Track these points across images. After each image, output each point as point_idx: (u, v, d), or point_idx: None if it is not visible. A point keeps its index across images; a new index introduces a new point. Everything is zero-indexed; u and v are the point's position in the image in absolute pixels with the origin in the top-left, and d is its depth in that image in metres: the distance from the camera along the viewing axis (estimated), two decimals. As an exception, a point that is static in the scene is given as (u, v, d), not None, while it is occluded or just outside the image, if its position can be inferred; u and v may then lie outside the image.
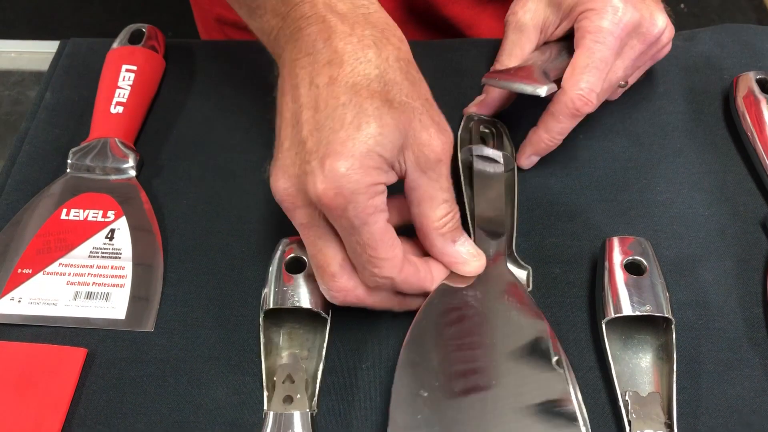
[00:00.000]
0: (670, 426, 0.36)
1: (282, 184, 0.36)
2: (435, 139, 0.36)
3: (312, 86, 0.35)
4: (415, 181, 0.36)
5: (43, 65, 0.55)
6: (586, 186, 0.47)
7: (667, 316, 0.38)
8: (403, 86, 0.36)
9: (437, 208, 0.37)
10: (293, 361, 0.39)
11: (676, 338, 0.38)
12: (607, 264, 0.40)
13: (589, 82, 0.43)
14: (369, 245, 0.35)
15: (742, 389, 0.38)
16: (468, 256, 0.39)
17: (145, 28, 0.53)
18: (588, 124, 0.49)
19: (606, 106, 0.50)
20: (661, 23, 0.45)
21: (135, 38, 0.53)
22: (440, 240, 0.38)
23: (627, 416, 0.36)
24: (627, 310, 0.38)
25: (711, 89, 0.51)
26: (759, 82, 0.49)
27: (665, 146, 0.48)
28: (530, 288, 0.42)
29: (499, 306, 0.39)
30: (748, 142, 0.47)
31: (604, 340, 0.39)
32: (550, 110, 0.45)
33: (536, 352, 0.37)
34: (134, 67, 0.51)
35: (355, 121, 0.34)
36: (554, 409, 0.36)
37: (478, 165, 0.46)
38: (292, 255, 0.40)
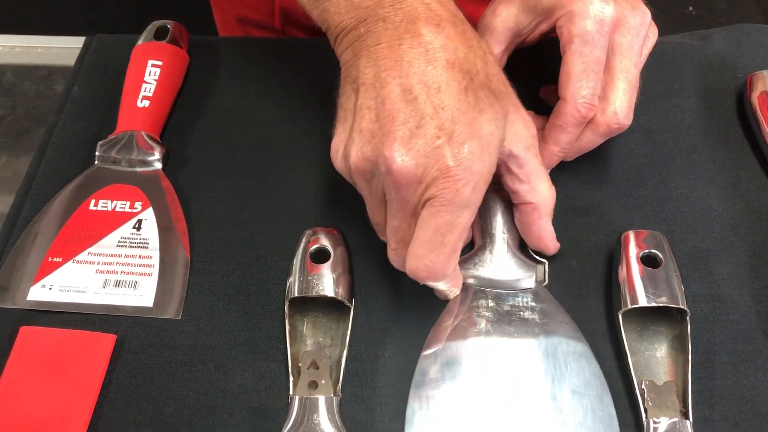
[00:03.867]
0: (685, 414, 0.37)
1: (401, 156, 0.35)
2: (527, 118, 0.39)
3: (429, 66, 0.36)
4: (523, 158, 0.39)
5: (69, 60, 0.56)
6: (601, 181, 0.48)
7: (682, 307, 0.39)
8: (499, 76, 0.38)
9: (543, 182, 0.41)
10: (317, 348, 0.40)
11: (690, 329, 0.39)
12: (623, 257, 0.41)
13: (589, 87, 0.42)
14: (448, 233, 0.36)
15: (755, 380, 0.39)
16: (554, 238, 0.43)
17: (170, 24, 0.54)
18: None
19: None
20: (645, 10, 0.43)
21: (160, 34, 0.54)
22: (545, 217, 0.42)
23: (643, 404, 0.37)
24: (643, 301, 0.39)
25: (725, 87, 0.52)
26: (773, 81, 0.50)
27: (680, 143, 0.49)
28: (546, 282, 0.43)
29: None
30: (762, 139, 0.48)
31: (620, 331, 0.40)
32: (555, 123, 0.44)
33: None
34: (160, 63, 0.52)
35: (477, 106, 0.36)
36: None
37: None
38: (316, 246, 0.42)
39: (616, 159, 0.49)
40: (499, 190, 0.44)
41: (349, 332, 0.40)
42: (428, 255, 0.36)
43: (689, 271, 0.43)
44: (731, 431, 0.37)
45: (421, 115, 0.35)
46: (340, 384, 0.39)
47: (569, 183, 0.48)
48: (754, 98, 0.49)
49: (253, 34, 0.65)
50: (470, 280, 0.42)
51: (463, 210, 0.36)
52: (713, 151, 0.49)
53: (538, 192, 0.41)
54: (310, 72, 0.54)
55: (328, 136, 0.52)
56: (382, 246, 0.44)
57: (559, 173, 0.48)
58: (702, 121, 0.50)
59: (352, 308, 0.41)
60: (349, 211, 0.46)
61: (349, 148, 0.37)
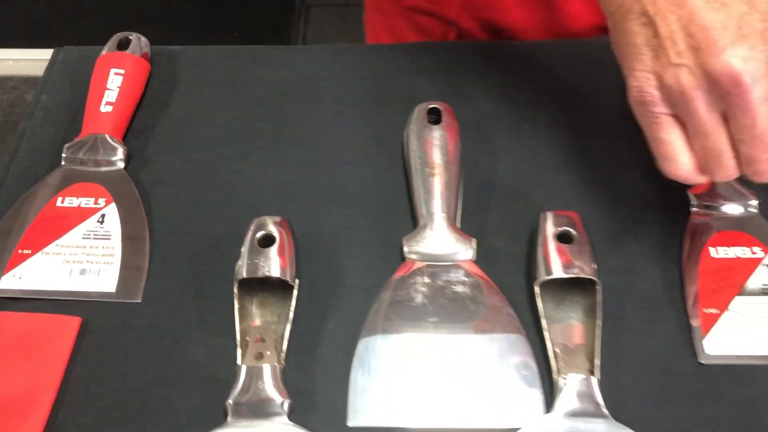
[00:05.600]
0: (591, 371, 0.41)
1: (739, 59, 0.36)
2: None
3: None
4: None
5: (39, 71, 0.60)
6: (530, 169, 0.52)
7: (592, 278, 0.44)
8: None
9: None
10: (264, 324, 0.44)
11: (603, 300, 0.44)
12: (541, 234, 0.46)
13: None
14: None
15: (659, 341, 0.44)
16: None
17: (132, 36, 0.58)
18: (533, 115, 0.55)
19: (547, 101, 0.56)
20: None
21: (122, 45, 0.58)
22: None
23: (555, 364, 0.42)
24: (557, 273, 0.44)
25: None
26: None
27: (601, 134, 0.54)
28: (475, 258, 0.47)
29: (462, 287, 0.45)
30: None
31: (537, 300, 0.44)
32: None
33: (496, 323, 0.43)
34: (122, 71, 0.56)
35: None
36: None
37: None
38: (263, 232, 0.46)
39: (544, 150, 0.53)
40: (439, 173, 0.49)
41: (293, 309, 0.44)
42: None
43: (605, 247, 0.47)
44: (635, 386, 0.42)
45: (739, 15, 0.36)
46: (283, 354, 0.42)
47: (500, 171, 0.52)
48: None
49: (422, 24, 0.68)
50: (413, 256, 0.47)
51: None
52: (631, 141, 0.53)
53: None
54: (262, 78, 0.59)
55: (278, 135, 0.57)
56: (325, 231, 0.49)
57: (491, 163, 0.53)
58: (622, 114, 0.55)
59: (296, 287, 0.45)
60: (295, 202, 0.50)
61: (672, 76, 0.38)
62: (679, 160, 0.41)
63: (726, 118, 0.39)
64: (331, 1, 1.92)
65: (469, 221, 0.49)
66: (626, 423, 0.40)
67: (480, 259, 0.47)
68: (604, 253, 0.47)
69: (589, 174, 0.52)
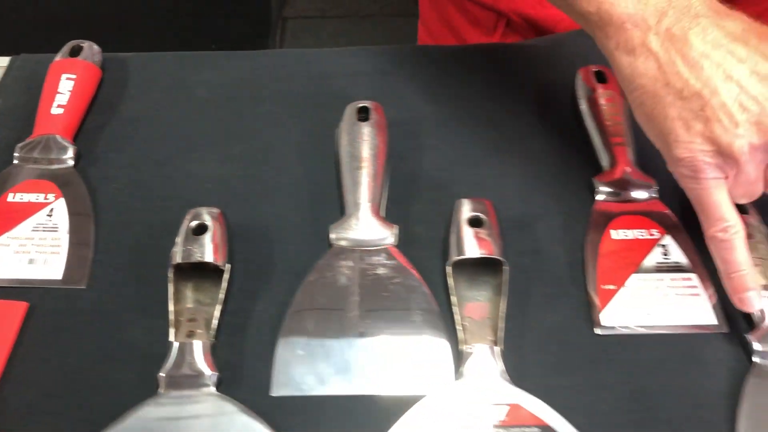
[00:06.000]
0: (495, 342, 0.45)
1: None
2: None
3: (749, 47, 0.43)
4: None
5: (-4, 78, 0.64)
6: (452, 162, 0.56)
7: (499, 258, 0.47)
8: None
9: None
10: (198, 306, 0.48)
11: (512, 279, 0.47)
12: (455, 219, 0.50)
13: None
14: None
15: (560, 315, 0.47)
16: None
17: (83, 43, 0.62)
18: (456, 114, 0.59)
19: (469, 101, 0.60)
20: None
21: (75, 52, 0.62)
22: None
23: (464, 337, 0.45)
24: (467, 253, 0.47)
25: (559, 81, 0.61)
26: (596, 73, 0.59)
27: (518, 130, 0.58)
28: (396, 243, 0.51)
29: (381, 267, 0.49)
30: (584, 123, 0.57)
31: (449, 279, 0.48)
32: None
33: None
34: (73, 76, 0.59)
35: None
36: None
37: None
38: (197, 221, 0.49)
39: (464, 144, 0.58)
40: (366, 167, 0.53)
41: (224, 290, 0.48)
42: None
43: (515, 232, 0.52)
44: (536, 355, 0.46)
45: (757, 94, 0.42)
46: (213, 331, 0.46)
47: (424, 165, 0.56)
48: (579, 89, 0.58)
49: (473, 13, 0.72)
50: (339, 242, 0.51)
51: None
52: (546, 136, 0.58)
53: None
54: (206, 81, 0.63)
55: (218, 134, 0.60)
56: (259, 221, 0.53)
57: (417, 159, 0.57)
58: (539, 111, 0.59)
59: (227, 272, 0.48)
60: (232, 195, 0.54)
61: (731, 142, 0.42)
62: (726, 218, 0.45)
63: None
64: (308, 14, 1.97)
65: (393, 210, 0.53)
66: (527, 388, 0.43)
67: (401, 244, 0.51)
68: (515, 236, 0.51)
69: (504, 166, 0.56)
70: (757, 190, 0.47)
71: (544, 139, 0.57)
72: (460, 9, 0.74)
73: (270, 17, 1.89)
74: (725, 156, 0.43)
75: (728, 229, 0.45)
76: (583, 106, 0.57)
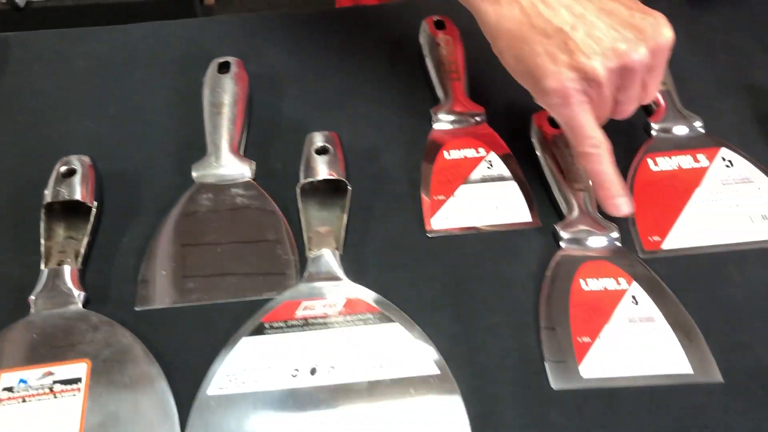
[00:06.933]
0: (337, 248, 0.51)
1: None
2: None
3: None
4: None
5: None
6: (311, 108, 0.62)
7: (342, 179, 0.53)
8: None
9: None
10: (68, 240, 0.52)
11: (357, 198, 0.54)
12: (305, 150, 0.55)
13: None
14: None
15: (399, 224, 0.53)
16: None
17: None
18: (316, 66, 0.65)
19: (328, 55, 0.66)
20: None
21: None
22: None
23: (309, 245, 0.51)
24: (314, 176, 0.53)
25: (408, 33, 0.67)
26: (436, 22, 0.65)
27: (370, 78, 0.64)
28: (253, 177, 0.56)
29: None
30: (428, 72, 0.63)
31: (298, 201, 0.53)
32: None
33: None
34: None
35: None
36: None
37: None
38: (66, 166, 0.54)
39: (321, 93, 0.63)
40: (225, 112, 0.58)
41: (91, 224, 0.52)
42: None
43: (364, 160, 0.57)
44: (376, 258, 0.51)
45: (622, 21, 0.48)
46: (81, 259, 0.51)
47: (285, 111, 0.62)
48: (422, 37, 0.65)
49: None
50: (204, 179, 0.55)
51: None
52: (394, 81, 0.64)
53: None
54: (85, 53, 0.67)
55: (95, 98, 0.65)
56: (130, 167, 0.57)
57: (278, 104, 0.62)
58: (390, 61, 0.66)
59: (94, 208, 0.53)
60: (106, 147, 0.59)
61: (593, 67, 0.47)
62: (594, 135, 0.50)
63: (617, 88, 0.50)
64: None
65: (254, 150, 0.59)
66: (365, 284, 0.49)
67: (263, 179, 0.56)
68: (364, 163, 0.57)
69: (356, 108, 0.62)
70: (609, 112, 0.52)
71: (393, 83, 0.64)
72: None
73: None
74: (589, 80, 0.49)
75: (596, 144, 0.51)
76: (425, 51, 0.64)
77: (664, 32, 0.48)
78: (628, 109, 0.51)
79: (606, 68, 0.48)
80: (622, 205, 0.51)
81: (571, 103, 0.49)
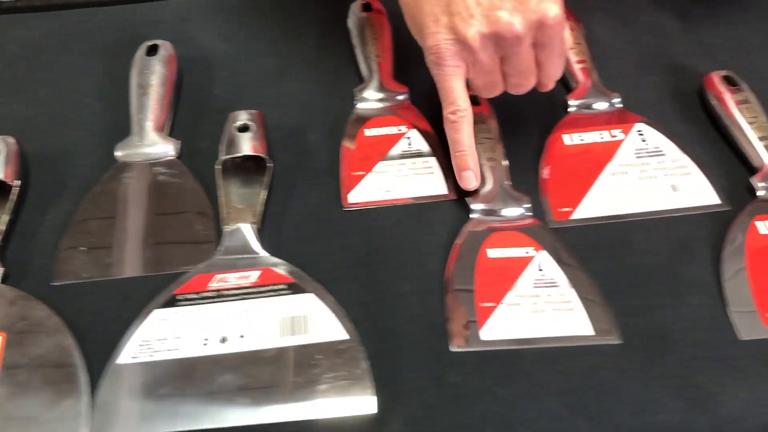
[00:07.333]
0: (255, 223, 0.52)
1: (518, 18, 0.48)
2: None
3: None
4: None
5: None
6: (239, 89, 0.63)
7: (262, 155, 0.54)
8: None
9: None
10: None
11: (280, 175, 0.55)
12: (227, 128, 0.56)
13: None
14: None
15: (318, 200, 0.54)
16: None
17: None
18: (245, 49, 0.66)
19: (258, 36, 0.68)
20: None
21: None
22: None
23: (226, 219, 0.52)
24: (234, 152, 0.54)
25: (335, 18, 0.68)
26: (364, 5, 0.66)
27: (299, 59, 0.65)
28: (177, 155, 0.57)
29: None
30: (353, 45, 0.65)
31: (217, 176, 0.54)
32: None
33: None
34: None
35: None
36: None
37: None
38: (-11, 146, 0.55)
39: (250, 74, 0.64)
40: (151, 93, 0.59)
41: (13, 204, 0.53)
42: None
43: (290, 138, 0.59)
44: (294, 232, 0.52)
45: None
46: (0, 236, 0.51)
47: (214, 91, 0.63)
48: (350, 19, 0.66)
49: None
50: (127, 158, 0.56)
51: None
52: (322, 61, 0.65)
53: None
54: (17, 41, 0.68)
55: (24, 85, 0.65)
56: (56, 148, 0.58)
57: (208, 85, 0.63)
58: (318, 43, 0.67)
59: (15, 187, 0.53)
60: (34, 130, 0.60)
61: (465, 30, 0.48)
62: (458, 102, 0.52)
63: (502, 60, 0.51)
64: None
65: (181, 129, 0.60)
66: (283, 257, 0.50)
67: (189, 157, 0.57)
68: (289, 142, 0.58)
69: (284, 88, 0.63)
70: (497, 84, 0.53)
71: (321, 65, 0.65)
72: None
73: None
74: (462, 44, 0.50)
75: (458, 111, 0.52)
76: (353, 32, 0.65)
77: (549, 7, 0.49)
78: (521, 84, 0.52)
79: (479, 33, 0.49)
80: (467, 177, 0.53)
81: (444, 65, 0.51)
